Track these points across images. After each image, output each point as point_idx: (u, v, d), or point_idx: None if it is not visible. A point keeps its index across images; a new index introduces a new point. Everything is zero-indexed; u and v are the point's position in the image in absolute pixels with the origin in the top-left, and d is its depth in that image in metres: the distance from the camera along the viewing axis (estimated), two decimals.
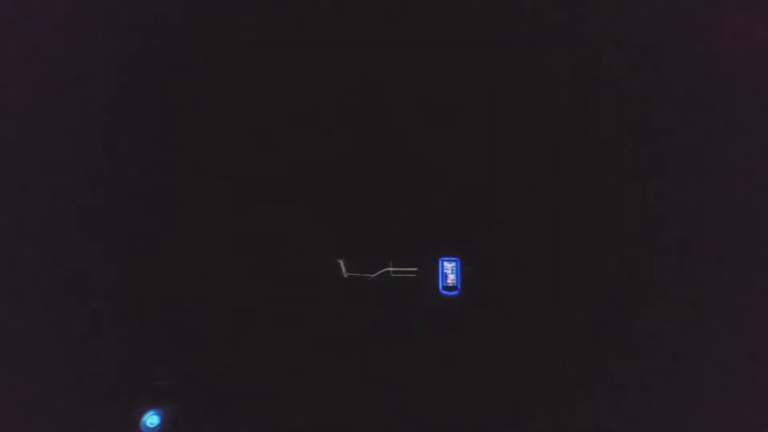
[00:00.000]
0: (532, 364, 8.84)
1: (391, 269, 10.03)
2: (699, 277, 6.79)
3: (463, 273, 10.45)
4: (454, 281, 10.28)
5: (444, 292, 10.15)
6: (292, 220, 8.26)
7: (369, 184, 9.52)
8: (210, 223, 5.90)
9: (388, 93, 6.73)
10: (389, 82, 6.72)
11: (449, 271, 10.42)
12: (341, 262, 8.98)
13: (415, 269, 10.17)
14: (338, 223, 9.46)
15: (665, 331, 7.61)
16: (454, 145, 9.52)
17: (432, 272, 10.37)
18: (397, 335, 8.86)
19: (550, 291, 9.82)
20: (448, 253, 10.56)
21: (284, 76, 6.45)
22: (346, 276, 8.86)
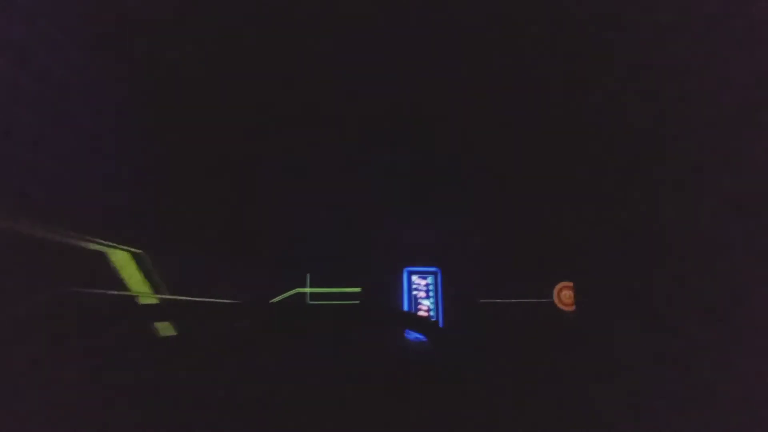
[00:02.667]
0: None
1: (307, 290, 5.13)
2: None
3: (446, 296, 5.74)
4: (430, 312, 5.57)
5: (411, 335, 5.36)
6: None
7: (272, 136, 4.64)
8: None
9: None
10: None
11: (422, 292, 5.64)
12: (133, 257, 3.43)
13: (357, 290, 5.34)
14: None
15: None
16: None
17: (391, 295, 5.59)
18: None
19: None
20: (421, 262, 5.75)
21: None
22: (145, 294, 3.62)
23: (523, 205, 6.23)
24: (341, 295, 5.17)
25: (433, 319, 5.48)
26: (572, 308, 6.26)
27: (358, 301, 5.25)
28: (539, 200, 6.19)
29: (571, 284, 6.35)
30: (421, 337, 4.74)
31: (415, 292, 5.50)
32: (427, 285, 5.59)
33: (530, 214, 6.19)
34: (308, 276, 5.04)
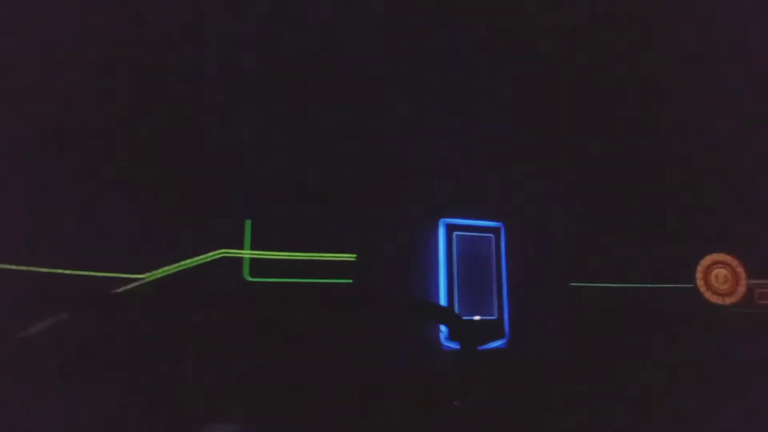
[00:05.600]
0: None
1: (244, 253, 2.61)
2: None
3: (513, 273, 3.11)
4: (490, 307, 2.99)
5: (448, 342, 2.87)
6: None
7: None
8: None
9: None
10: None
11: (472, 264, 3.03)
12: None
13: (349, 257, 2.80)
14: None
15: None
16: None
17: (413, 270, 2.99)
18: None
19: None
20: (471, 212, 3.10)
21: None
22: None
23: (644, 127, 3.68)
24: (315, 267, 2.72)
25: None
26: (731, 299, 3.63)
27: (350, 281, 2.79)
28: (671, 121, 3.65)
29: (729, 258, 3.70)
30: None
31: (453, 265, 2.98)
32: (481, 251, 3.08)
33: (657, 141, 3.64)
34: (248, 225, 2.57)
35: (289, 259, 2.57)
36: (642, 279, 3.47)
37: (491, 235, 3.03)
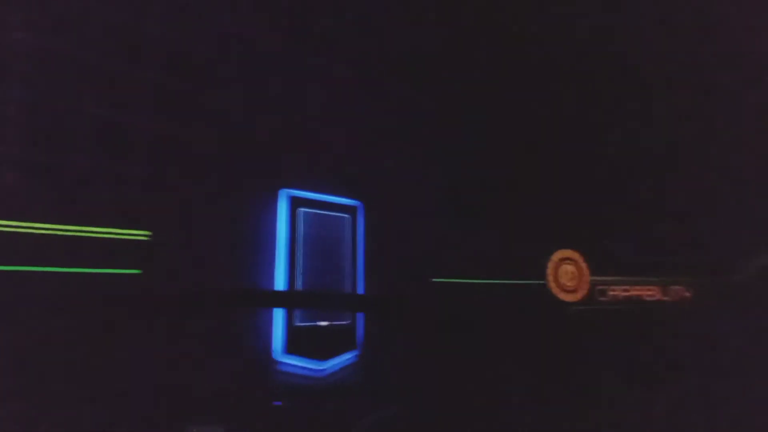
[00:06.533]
0: None
1: None
2: None
3: (371, 264, 2.48)
4: (343, 310, 2.31)
5: (286, 359, 2.11)
6: None
7: None
8: None
9: None
10: None
11: (321, 251, 2.30)
12: None
13: (144, 233, 1.85)
14: None
15: None
16: None
17: (240, 253, 2.14)
18: None
19: None
20: (322, 185, 2.36)
21: None
22: None
23: (513, 118, 3.49)
24: (78, 249, 1.74)
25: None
26: (576, 296, 3.61)
27: (137, 272, 1.88)
28: (538, 115, 3.53)
29: (576, 254, 3.68)
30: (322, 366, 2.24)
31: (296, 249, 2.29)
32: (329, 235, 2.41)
33: (523, 134, 3.48)
34: None
35: (32, 234, 1.56)
36: (500, 274, 3.21)
37: (347, 215, 2.39)
